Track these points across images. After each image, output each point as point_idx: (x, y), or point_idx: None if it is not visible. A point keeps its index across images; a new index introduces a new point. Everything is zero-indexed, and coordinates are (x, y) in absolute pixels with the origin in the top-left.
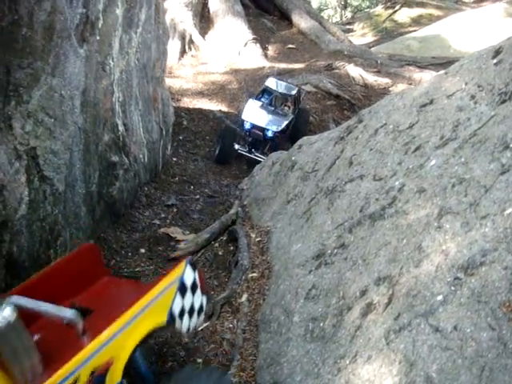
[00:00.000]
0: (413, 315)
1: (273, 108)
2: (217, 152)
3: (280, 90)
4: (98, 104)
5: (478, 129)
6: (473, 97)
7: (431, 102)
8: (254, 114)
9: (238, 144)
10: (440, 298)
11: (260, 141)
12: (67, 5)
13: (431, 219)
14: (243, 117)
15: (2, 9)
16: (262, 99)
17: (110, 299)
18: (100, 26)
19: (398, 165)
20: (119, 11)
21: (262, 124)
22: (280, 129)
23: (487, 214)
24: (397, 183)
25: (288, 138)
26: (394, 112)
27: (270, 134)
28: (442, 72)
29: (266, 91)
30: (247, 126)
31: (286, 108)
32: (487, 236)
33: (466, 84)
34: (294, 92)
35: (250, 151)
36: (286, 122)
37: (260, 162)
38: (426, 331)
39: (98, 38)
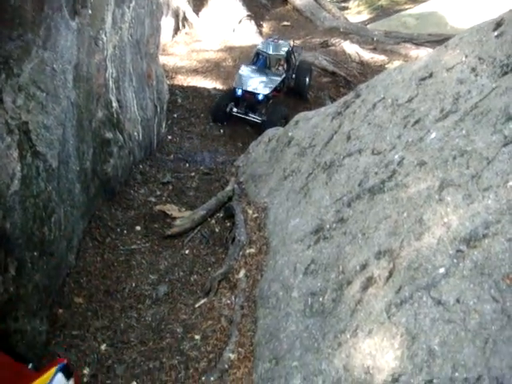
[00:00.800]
0: (414, 288)
1: (266, 70)
2: (212, 110)
3: (270, 52)
4: (90, 79)
5: (480, 101)
6: (473, 69)
7: (430, 76)
8: (244, 79)
9: (236, 107)
10: (442, 270)
11: (256, 103)
12: None
13: (432, 192)
14: (234, 84)
15: None
16: (257, 63)
17: None
18: None
19: (397, 138)
20: None
21: (251, 89)
22: (269, 91)
23: (490, 186)
24: (396, 157)
25: (291, 93)
26: (392, 86)
27: (260, 97)
28: (442, 45)
29: (259, 54)
30: (238, 92)
31: (281, 68)
32: (490, 208)
33: (467, 57)
34: (284, 50)
35: (246, 113)
36: (276, 83)
37: (256, 122)
38: (427, 304)
39: (90, 11)
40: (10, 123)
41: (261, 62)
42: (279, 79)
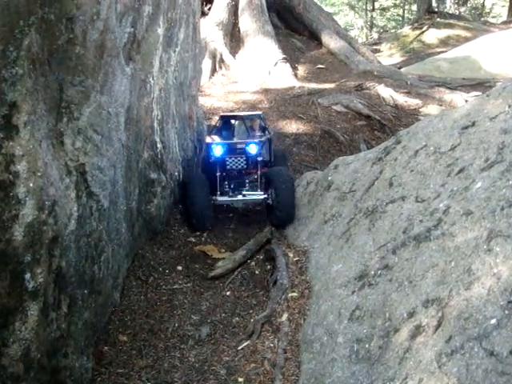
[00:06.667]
0: (465, 338)
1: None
2: (191, 219)
3: (242, 114)
4: (139, 121)
5: None
6: None
7: (473, 124)
8: (222, 137)
9: (214, 193)
10: (493, 321)
11: (242, 173)
12: (117, 24)
13: (480, 242)
14: (208, 141)
15: (59, 28)
16: (221, 131)
17: None
18: (143, 44)
19: (442, 187)
20: (160, 30)
21: (241, 139)
22: (263, 139)
23: None
24: (441, 205)
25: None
26: (434, 134)
27: (254, 150)
28: (484, 94)
29: (224, 124)
30: (218, 152)
31: (257, 134)
32: None
33: (510, 106)
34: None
35: (234, 194)
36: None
37: (258, 201)
38: (479, 355)
39: (141, 56)
40: (69, 165)
41: (225, 128)
42: (264, 139)
